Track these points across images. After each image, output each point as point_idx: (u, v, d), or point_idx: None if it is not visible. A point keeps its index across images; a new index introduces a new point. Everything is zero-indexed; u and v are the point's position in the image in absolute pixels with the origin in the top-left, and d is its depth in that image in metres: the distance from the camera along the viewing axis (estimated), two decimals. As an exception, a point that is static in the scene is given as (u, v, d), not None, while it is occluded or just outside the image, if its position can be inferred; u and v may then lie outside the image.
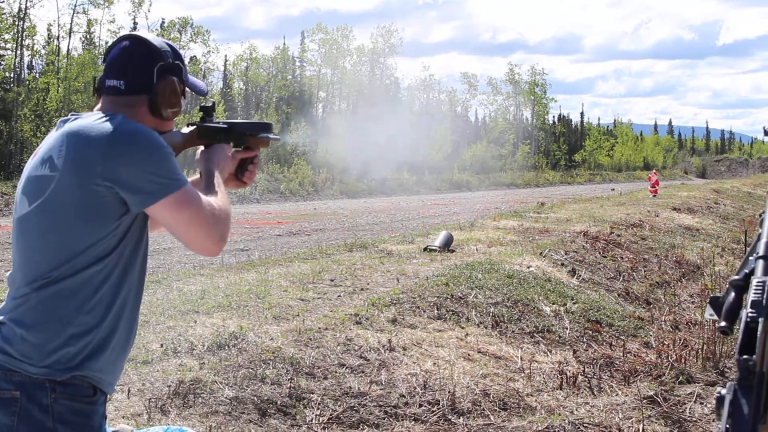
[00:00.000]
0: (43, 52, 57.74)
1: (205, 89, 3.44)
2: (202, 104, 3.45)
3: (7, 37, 51.97)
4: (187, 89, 3.31)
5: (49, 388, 2.84)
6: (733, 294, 2.88)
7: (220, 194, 3.15)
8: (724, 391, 2.37)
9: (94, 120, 2.96)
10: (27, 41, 54.41)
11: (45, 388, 2.83)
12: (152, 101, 3.12)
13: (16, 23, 52.09)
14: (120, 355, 3.07)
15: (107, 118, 2.96)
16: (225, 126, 3.44)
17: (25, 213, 2.98)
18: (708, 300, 2.91)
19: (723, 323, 2.79)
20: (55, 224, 2.90)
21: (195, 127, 3.41)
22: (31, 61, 58.42)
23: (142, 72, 3.11)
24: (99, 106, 3.15)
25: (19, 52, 53.08)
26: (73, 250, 2.89)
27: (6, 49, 52.74)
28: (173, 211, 2.91)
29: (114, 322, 2.98)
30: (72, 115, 3.08)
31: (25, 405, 2.81)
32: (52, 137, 3.02)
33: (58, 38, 57.38)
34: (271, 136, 3.58)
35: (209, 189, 3.17)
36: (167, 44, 3.22)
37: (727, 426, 2.22)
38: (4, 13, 51.16)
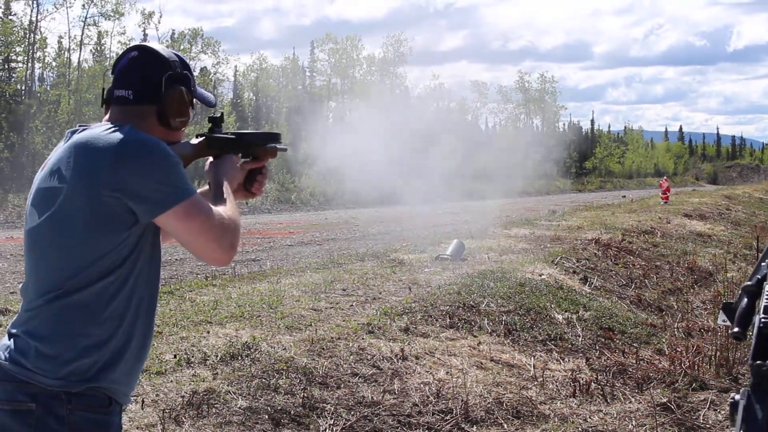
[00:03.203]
0: (54, 64, 57.82)
1: (213, 101, 3.45)
2: (211, 115, 3.45)
3: (18, 49, 52.14)
4: (195, 100, 3.31)
5: (65, 400, 2.84)
6: (745, 300, 2.87)
7: (230, 204, 3.14)
8: (738, 397, 2.37)
9: (101, 131, 2.96)
10: (38, 54, 54.63)
11: (61, 400, 2.83)
12: (160, 111, 3.12)
13: (27, 36, 52.27)
14: (135, 365, 3.07)
15: (115, 128, 2.96)
16: (233, 137, 3.43)
17: (35, 225, 2.98)
18: (721, 306, 2.90)
19: (736, 329, 2.79)
20: (65, 236, 2.90)
21: (204, 138, 3.41)
22: (42, 74, 58.62)
23: (150, 82, 3.12)
24: (107, 116, 3.15)
25: (30, 64, 53.26)
26: (84, 261, 2.89)
27: (17, 62, 52.89)
28: (182, 220, 2.91)
29: (128, 333, 2.98)
30: (80, 126, 3.08)
31: (41, 416, 2.81)
32: (61, 149, 3.02)
33: (68, 50, 57.48)
34: (279, 146, 3.57)
35: (218, 199, 3.16)
36: (176, 54, 3.23)
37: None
38: (16, 26, 51.35)
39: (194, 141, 3.39)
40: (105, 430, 2.95)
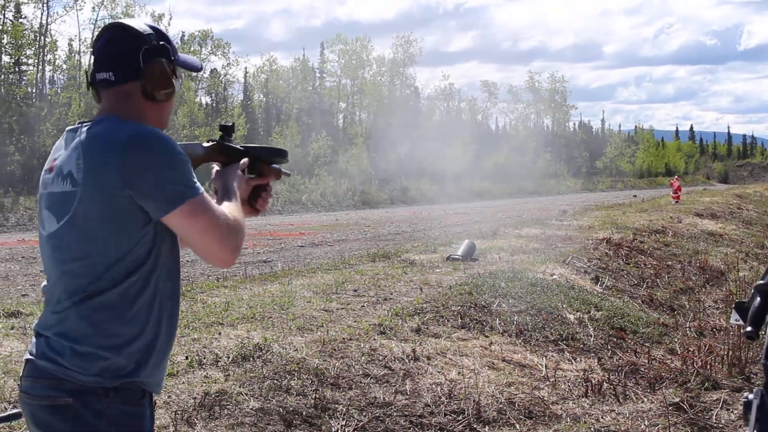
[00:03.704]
0: (64, 66, 57.96)
1: (198, 65, 3.40)
2: (222, 123, 3.42)
3: (29, 52, 52.32)
4: (180, 69, 3.27)
5: (102, 394, 2.89)
6: (758, 299, 2.87)
7: (236, 206, 3.13)
8: (751, 397, 2.37)
9: (106, 128, 2.96)
10: (48, 56, 54.79)
11: (98, 395, 2.88)
12: (144, 87, 3.08)
13: (38, 39, 52.43)
14: (164, 356, 3.11)
15: (119, 124, 2.96)
16: (242, 149, 3.42)
17: (55, 230, 2.99)
18: (733, 305, 2.90)
19: (749, 328, 2.79)
20: (86, 239, 2.92)
21: (216, 143, 3.39)
22: (53, 76, 58.77)
23: (128, 60, 3.08)
24: (101, 104, 3.14)
25: (40, 67, 53.44)
26: (106, 262, 2.91)
27: (28, 65, 53.13)
28: (188, 218, 2.90)
29: (155, 328, 3.02)
30: (79, 123, 3.09)
31: (79, 411, 2.86)
32: (66, 149, 3.02)
33: (79, 53, 57.58)
34: (283, 170, 3.55)
35: (225, 201, 3.15)
36: (150, 26, 3.17)
37: (755, 431, 2.22)
38: (26, 29, 51.48)
39: (206, 144, 3.38)
40: (140, 421, 2.99)
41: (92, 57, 3.18)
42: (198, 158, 3.31)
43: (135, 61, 3.07)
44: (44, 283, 3.11)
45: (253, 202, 3.49)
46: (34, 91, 53.09)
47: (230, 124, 3.43)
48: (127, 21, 3.17)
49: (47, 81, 56.95)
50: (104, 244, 2.90)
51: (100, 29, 3.21)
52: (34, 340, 3.05)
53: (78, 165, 2.92)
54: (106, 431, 2.88)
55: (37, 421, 2.95)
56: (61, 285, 2.99)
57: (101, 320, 2.92)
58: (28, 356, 3.01)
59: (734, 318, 3.24)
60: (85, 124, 3.06)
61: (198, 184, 2.94)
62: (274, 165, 3.51)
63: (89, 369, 2.88)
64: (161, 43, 3.14)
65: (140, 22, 3.15)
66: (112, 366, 2.91)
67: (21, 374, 3.05)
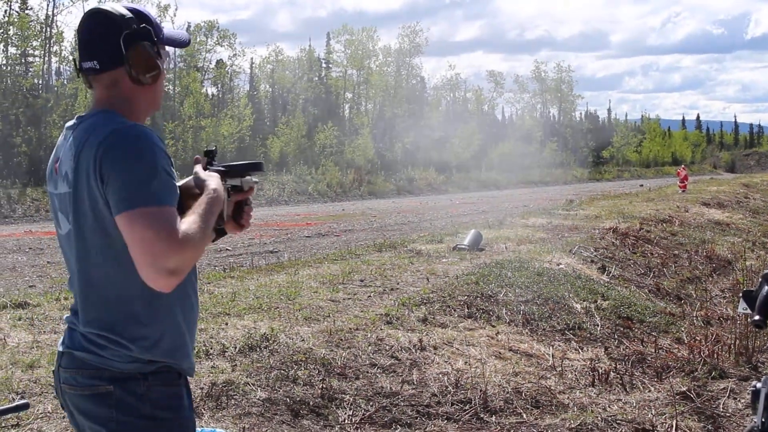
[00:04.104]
0: (71, 58, 57.77)
1: (185, 38, 3.34)
2: (206, 149, 3.37)
3: (35, 43, 52.23)
4: (166, 48, 3.23)
5: (141, 379, 2.95)
6: (766, 287, 2.86)
7: (199, 223, 2.89)
8: (759, 385, 2.37)
9: (94, 125, 2.95)
10: (55, 47, 54.67)
11: (137, 380, 2.94)
12: (129, 72, 3.05)
13: (44, 30, 52.36)
14: (190, 340, 3.17)
15: (107, 121, 2.95)
16: (225, 170, 3.35)
17: (68, 230, 3.01)
18: (741, 294, 2.90)
19: (757, 317, 2.79)
20: (91, 237, 2.94)
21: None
22: (59, 68, 58.59)
23: (110, 46, 3.04)
24: (94, 93, 3.12)
25: (47, 58, 53.34)
26: (116, 258, 2.91)
27: (34, 56, 53.02)
28: (129, 226, 2.77)
29: (179, 314, 3.07)
30: (77, 119, 3.09)
31: (120, 396, 2.92)
32: (66, 148, 3.03)
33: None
34: (254, 179, 3.44)
35: (191, 215, 2.92)
36: (131, 9, 3.12)
37: (763, 419, 2.22)
38: (32, 20, 51.45)
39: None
40: (180, 400, 3.06)
41: (77, 45, 3.15)
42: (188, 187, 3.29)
43: (117, 48, 3.03)
44: (71, 277, 3.13)
45: (239, 218, 3.41)
46: (40, 82, 53.00)
47: (213, 148, 3.38)
48: (107, 6, 3.11)
49: (53, 72, 56.85)
50: (106, 241, 2.90)
51: (81, 16, 3.16)
52: (66, 332, 3.10)
53: (71, 166, 2.92)
54: (150, 413, 2.94)
55: (81, 410, 3.01)
56: (83, 281, 3.02)
57: (127, 312, 2.96)
58: (65, 348, 3.05)
59: (742, 306, 3.24)
60: (81, 118, 3.07)
61: (163, 195, 2.82)
62: (248, 177, 3.46)
63: (125, 358, 2.94)
64: (142, 25, 3.09)
65: (120, 6, 3.08)
66: (145, 353, 2.96)
67: (57, 366, 3.09)
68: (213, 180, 3.10)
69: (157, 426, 2.96)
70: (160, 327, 2.99)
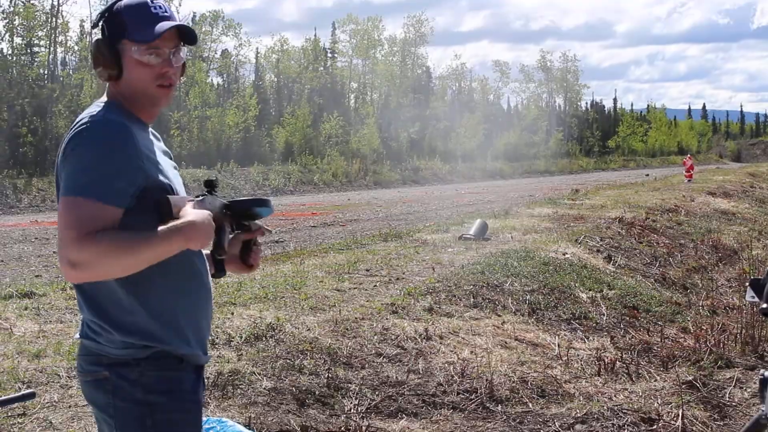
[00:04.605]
0: (76, 48, 57.72)
1: (154, 33, 3.02)
2: (207, 179, 3.27)
3: (40, 34, 52.24)
4: (130, 43, 3.02)
5: (134, 365, 2.96)
6: (773, 276, 2.85)
7: (135, 238, 2.80)
8: (767, 373, 2.36)
9: (81, 114, 2.98)
10: (60, 38, 54.65)
11: (131, 365, 2.96)
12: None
13: (49, 20, 52.34)
14: (189, 325, 3.12)
15: (87, 110, 2.98)
16: (227, 203, 3.21)
17: None
18: (749, 282, 2.89)
19: (764, 305, 2.78)
20: None
21: (202, 198, 3.11)
22: (65, 58, 58.58)
23: (97, 53, 3.05)
24: None
25: (52, 48, 53.33)
26: None
27: (40, 46, 53.05)
28: (60, 212, 2.80)
29: (170, 300, 3.05)
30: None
31: (116, 382, 2.96)
32: None
33: (90, 34, 57.47)
34: (265, 227, 3.38)
35: (130, 234, 2.83)
36: (105, 6, 3.10)
37: (771, 408, 2.21)
38: (37, 11, 51.44)
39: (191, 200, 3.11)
40: (178, 385, 3.05)
41: None
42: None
43: (98, 52, 3.04)
44: None
45: (246, 258, 3.38)
46: (45, 72, 53.01)
47: (214, 178, 3.30)
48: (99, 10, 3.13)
49: (59, 62, 56.85)
50: None
51: None
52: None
53: (60, 153, 2.95)
54: (142, 399, 2.96)
55: (87, 398, 3.10)
56: None
57: (108, 303, 2.98)
58: (78, 337, 3.11)
59: (749, 295, 3.23)
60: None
61: (90, 188, 2.79)
62: (257, 222, 3.38)
63: (117, 344, 2.96)
64: (101, 23, 3.07)
65: (100, 7, 3.10)
66: (136, 339, 2.97)
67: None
68: (188, 217, 2.91)
69: (152, 411, 2.97)
70: (147, 314, 2.98)
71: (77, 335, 3.12)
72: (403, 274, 11.24)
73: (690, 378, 7.89)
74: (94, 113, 2.93)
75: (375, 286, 10.38)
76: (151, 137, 3.15)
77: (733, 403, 7.46)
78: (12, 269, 14.96)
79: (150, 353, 2.97)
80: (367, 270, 11.53)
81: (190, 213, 2.91)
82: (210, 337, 7.51)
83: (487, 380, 7.36)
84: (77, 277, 2.81)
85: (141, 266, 2.83)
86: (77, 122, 2.91)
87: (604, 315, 10.17)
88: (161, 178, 2.99)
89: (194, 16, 65.05)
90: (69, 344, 7.29)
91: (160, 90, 3.06)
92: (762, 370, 2.37)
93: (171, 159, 3.27)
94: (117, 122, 2.92)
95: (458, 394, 7.20)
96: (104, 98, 3.07)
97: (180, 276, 3.08)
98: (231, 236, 3.31)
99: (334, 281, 10.57)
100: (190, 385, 3.10)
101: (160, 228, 2.82)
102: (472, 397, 7.16)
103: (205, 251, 3.22)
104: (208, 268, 3.23)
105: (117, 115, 2.96)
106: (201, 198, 3.08)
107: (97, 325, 2.98)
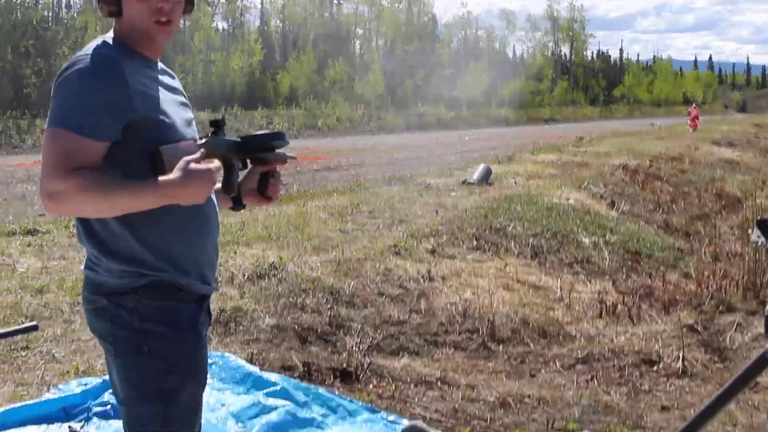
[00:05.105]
0: (80, -10, 57.59)
1: None
2: (212, 119, 3.21)
3: (44, -25, 52.01)
4: None
5: (131, 293, 2.97)
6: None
7: (108, 184, 2.77)
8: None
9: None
10: (65, -21, 54.42)
11: (127, 294, 2.97)
12: None
13: (53, -38, 52.08)
14: (186, 255, 3.08)
15: (89, 46, 2.97)
16: (239, 141, 3.20)
17: None
18: (756, 222, 2.89)
19: (770, 240, 2.76)
20: None
21: (210, 138, 3.09)
22: (69, 0, 58.36)
23: None
24: None
25: (57, -10, 53.12)
26: None
27: (44, -12, 52.81)
28: (44, 142, 2.83)
29: (165, 230, 3.01)
30: None
31: (114, 311, 2.97)
32: None
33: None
34: (288, 154, 3.41)
35: (106, 177, 2.80)
36: None
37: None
38: (41, -48, 51.16)
39: (199, 141, 3.08)
40: (174, 315, 3.03)
41: None
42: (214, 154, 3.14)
43: None
44: None
45: (264, 190, 3.37)
46: (50, 14, 52.84)
47: (220, 117, 3.24)
48: None
49: (63, 5, 56.65)
50: None
51: None
52: None
53: None
54: (138, 327, 2.96)
55: (90, 326, 3.11)
56: None
57: (103, 233, 2.99)
58: (82, 268, 3.14)
59: (756, 234, 3.24)
60: None
61: (70, 119, 2.79)
62: (278, 150, 3.37)
63: (115, 274, 2.97)
64: None
65: None
66: (132, 269, 2.97)
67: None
68: (177, 174, 2.80)
69: (148, 339, 2.97)
70: (139, 243, 2.97)
71: (82, 266, 3.13)
72: (406, 216, 11.25)
73: (691, 322, 7.90)
74: (89, 49, 2.92)
75: (378, 227, 10.40)
76: (158, 74, 3.11)
77: (734, 347, 7.47)
78: (15, 207, 14.98)
79: (146, 282, 2.97)
80: (371, 212, 11.54)
81: (183, 170, 2.80)
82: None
83: (488, 321, 7.39)
84: (51, 208, 2.80)
85: (115, 213, 2.85)
86: (72, 57, 2.92)
87: (606, 259, 10.18)
88: (154, 113, 2.94)
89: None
90: (72, 280, 7.32)
91: (157, 26, 3.00)
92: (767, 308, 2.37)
93: (181, 96, 3.23)
94: (105, 55, 2.91)
95: (460, 333, 7.23)
96: (110, 34, 3.05)
97: (174, 209, 3.05)
98: (245, 172, 3.32)
99: (337, 222, 10.59)
100: (189, 315, 3.08)
101: (145, 181, 2.79)
102: (474, 336, 7.18)
103: (217, 186, 3.17)
104: (216, 203, 3.21)
105: (112, 50, 2.95)
106: (204, 140, 3.05)
107: (95, 255, 3.01)
